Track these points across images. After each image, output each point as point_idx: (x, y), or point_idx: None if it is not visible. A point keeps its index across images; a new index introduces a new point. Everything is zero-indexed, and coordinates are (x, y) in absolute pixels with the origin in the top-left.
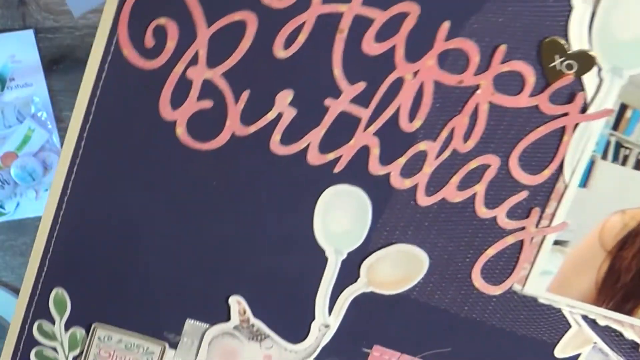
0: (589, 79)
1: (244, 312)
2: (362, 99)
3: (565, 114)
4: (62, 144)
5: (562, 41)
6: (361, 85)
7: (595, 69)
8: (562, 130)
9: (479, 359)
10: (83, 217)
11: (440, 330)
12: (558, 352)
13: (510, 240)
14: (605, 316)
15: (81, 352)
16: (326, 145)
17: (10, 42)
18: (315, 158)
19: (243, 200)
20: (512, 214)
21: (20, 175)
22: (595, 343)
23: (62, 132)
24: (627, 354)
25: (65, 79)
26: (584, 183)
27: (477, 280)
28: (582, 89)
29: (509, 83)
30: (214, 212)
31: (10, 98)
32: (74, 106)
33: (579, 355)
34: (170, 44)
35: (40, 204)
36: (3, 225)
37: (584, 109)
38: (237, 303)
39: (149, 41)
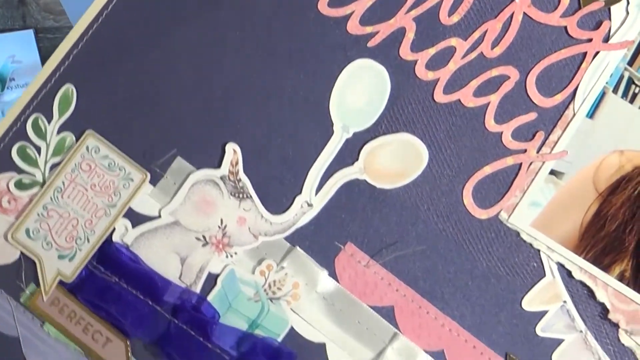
0: (617, 11)
1: (236, 163)
2: None
3: (589, 40)
4: None
5: None
6: None
7: (624, 2)
8: (582, 57)
9: (442, 285)
10: (123, 27)
11: (416, 240)
12: (526, 303)
13: (509, 161)
14: (581, 268)
15: (61, 161)
16: (368, 18)
17: (10, 42)
18: (354, 27)
19: (273, 50)
20: (517, 135)
21: None
22: (564, 302)
23: None
24: (593, 322)
25: None
26: (591, 114)
27: (467, 198)
28: (609, 19)
29: (545, 1)
30: (242, 55)
31: (10, 98)
32: None
33: (545, 312)
34: None
35: None
36: None
37: (606, 39)
38: (232, 151)
39: None
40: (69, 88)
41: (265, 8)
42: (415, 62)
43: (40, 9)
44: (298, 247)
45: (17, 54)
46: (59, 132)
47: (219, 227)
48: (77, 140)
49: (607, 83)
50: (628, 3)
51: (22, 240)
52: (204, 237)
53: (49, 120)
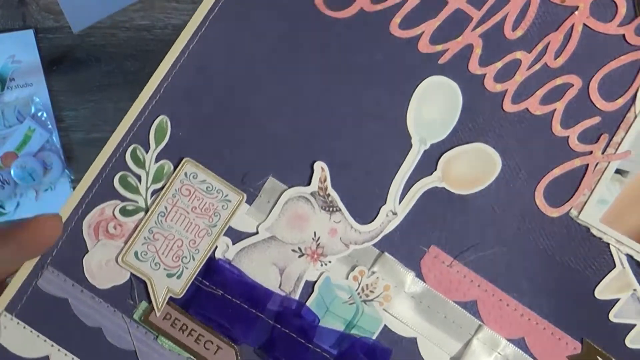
0: None
1: (325, 180)
2: (476, 2)
3: None
4: (62, 144)
5: None
6: None
7: None
8: None
9: (521, 280)
10: (209, 56)
11: (494, 241)
12: (598, 292)
13: (577, 162)
14: None
15: (163, 187)
16: (437, 37)
17: (10, 42)
18: (425, 46)
19: (351, 70)
20: (582, 138)
21: (20, 175)
22: (634, 290)
23: (62, 132)
24: None
25: (65, 79)
26: None
27: (539, 198)
28: None
29: (604, 9)
30: (323, 77)
31: (10, 98)
32: (73, 106)
33: (617, 300)
34: None
35: (40, 204)
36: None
37: None
38: (320, 169)
39: None
40: (163, 119)
41: (342, 33)
42: (484, 75)
43: (40, 9)
44: (386, 253)
45: (17, 54)
46: (157, 160)
47: (313, 239)
48: (175, 167)
49: None
50: None
51: (132, 263)
52: (299, 248)
53: (147, 150)
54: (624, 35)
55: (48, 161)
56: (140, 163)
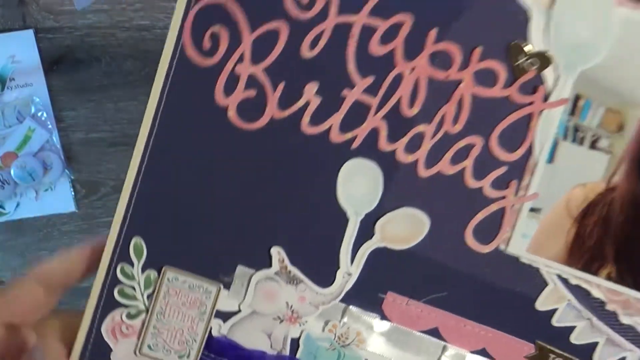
0: (548, 74)
1: (283, 261)
2: (371, 90)
3: (532, 103)
4: (62, 144)
5: (524, 44)
6: (370, 79)
7: (552, 66)
8: (530, 115)
9: (471, 307)
10: (157, 184)
11: (439, 281)
12: (538, 305)
13: (494, 207)
14: (575, 276)
15: (154, 291)
16: (345, 127)
17: (10, 42)
18: (336, 137)
19: (281, 170)
20: (495, 185)
21: (20, 175)
22: (569, 300)
23: (62, 132)
24: (596, 310)
25: (65, 79)
26: (550, 159)
27: (469, 239)
28: (543, 83)
29: (486, 77)
30: (259, 180)
31: (10, 98)
32: (73, 106)
33: (556, 309)
34: (223, 46)
35: (40, 204)
36: (3, 225)
37: (546, 98)
38: (277, 253)
39: (206, 44)
40: (137, 241)
41: (259, 140)
42: (395, 150)
43: (40, 9)
44: (351, 306)
45: (17, 54)
46: (142, 271)
47: (287, 307)
48: (158, 274)
49: (556, 133)
50: (557, 66)
51: (147, 353)
52: (278, 317)
53: (132, 265)
54: (509, 96)
55: (48, 161)
56: (130, 277)
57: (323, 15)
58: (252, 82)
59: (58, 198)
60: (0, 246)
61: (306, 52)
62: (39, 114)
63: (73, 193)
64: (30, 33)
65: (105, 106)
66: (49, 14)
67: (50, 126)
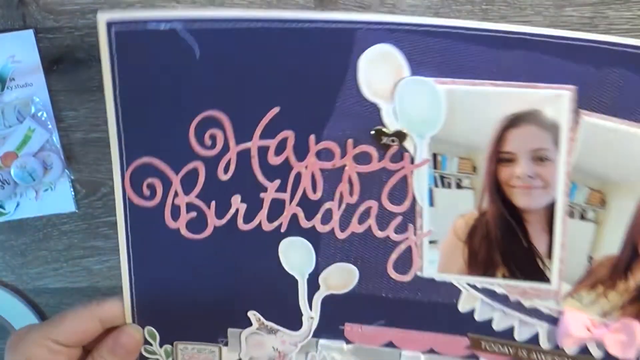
0: (408, 144)
1: (259, 320)
2: (281, 189)
3: (403, 167)
4: (62, 144)
5: (383, 128)
6: (277, 182)
7: (409, 138)
8: (405, 176)
9: (411, 320)
10: (148, 281)
11: (381, 307)
12: (460, 308)
13: (402, 247)
14: (479, 281)
15: (173, 359)
16: (271, 218)
17: (10, 42)
18: (267, 227)
19: (237, 259)
20: (397, 231)
21: (20, 175)
22: (482, 299)
23: (62, 132)
24: (503, 302)
25: (65, 79)
26: (431, 203)
27: (393, 274)
28: (407, 151)
29: (363, 158)
30: (226, 271)
31: (10, 98)
32: (73, 106)
33: (474, 308)
34: (159, 190)
35: (40, 204)
36: (3, 225)
37: (412, 161)
38: (253, 315)
39: (146, 191)
40: (149, 328)
41: (209, 245)
42: (314, 225)
43: (40, 9)
44: (321, 339)
45: (17, 54)
46: (160, 346)
47: (274, 351)
48: (172, 345)
49: (429, 184)
50: (412, 137)
51: None
52: (270, 358)
53: (151, 344)
54: (385, 167)
55: (48, 161)
56: (153, 353)
57: (226, 148)
58: (191, 206)
59: (58, 198)
60: (0, 246)
61: (223, 176)
62: (39, 114)
63: (73, 193)
64: (30, 33)
65: (105, 106)
66: (49, 14)
67: (50, 126)
